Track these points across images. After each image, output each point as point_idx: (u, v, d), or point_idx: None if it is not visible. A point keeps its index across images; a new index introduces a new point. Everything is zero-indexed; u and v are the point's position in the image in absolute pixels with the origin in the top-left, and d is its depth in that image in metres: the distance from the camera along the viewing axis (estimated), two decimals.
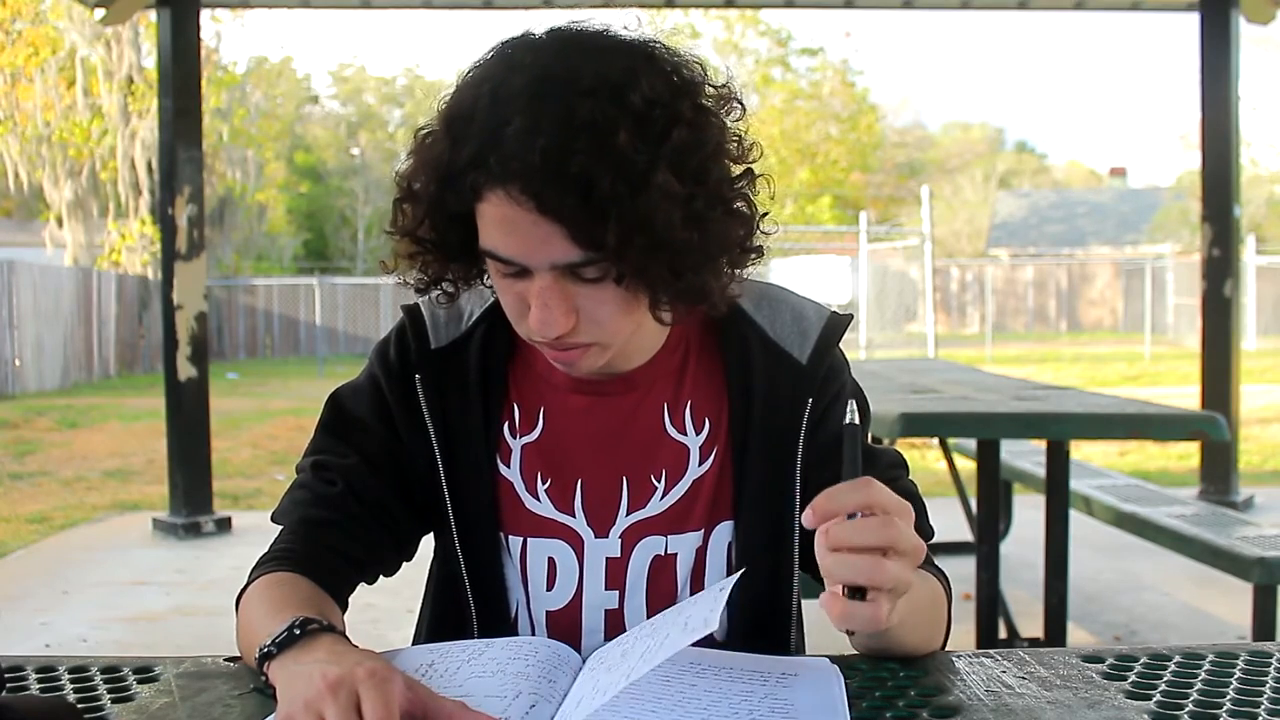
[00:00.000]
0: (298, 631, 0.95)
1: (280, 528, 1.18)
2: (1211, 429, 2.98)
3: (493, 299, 1.20)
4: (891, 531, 0.88)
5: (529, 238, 0.99)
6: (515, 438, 1.19)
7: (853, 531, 0.88)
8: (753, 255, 1.09)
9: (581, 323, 1.04)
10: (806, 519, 0.89)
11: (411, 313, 1.22)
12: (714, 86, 1.06)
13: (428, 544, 1.25)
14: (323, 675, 0.86)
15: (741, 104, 1.08)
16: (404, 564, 1.23)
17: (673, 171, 0.98)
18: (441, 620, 1.24)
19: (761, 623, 1.18)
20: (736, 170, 1.06)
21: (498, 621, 1.18)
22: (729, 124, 1.06)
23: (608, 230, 0.96)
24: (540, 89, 0.97)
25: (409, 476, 1.19)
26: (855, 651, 1.09)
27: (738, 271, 1.09)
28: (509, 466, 1.18)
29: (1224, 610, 4.32)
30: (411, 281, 1.13)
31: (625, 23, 1.05)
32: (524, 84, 0.97)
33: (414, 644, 1.21)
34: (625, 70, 0.99)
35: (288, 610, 1.00)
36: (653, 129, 0.97)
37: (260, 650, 0.96)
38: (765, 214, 1.09)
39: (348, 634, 1.00)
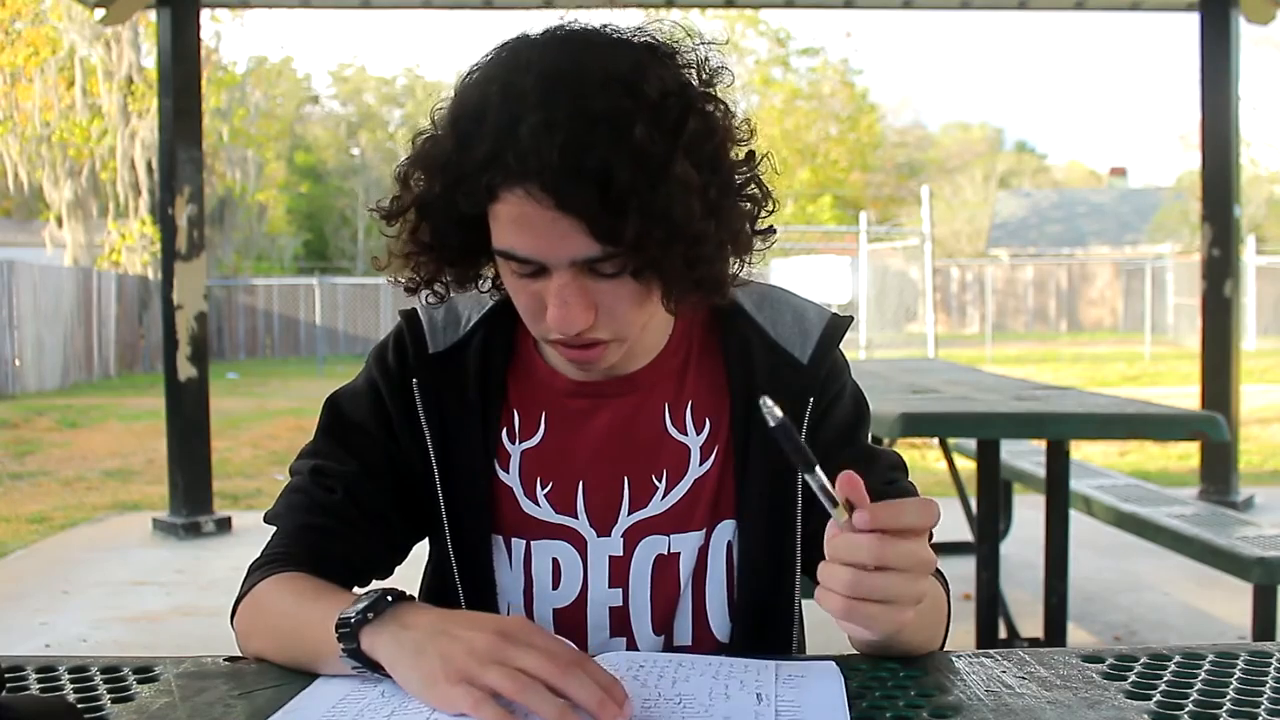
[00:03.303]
0: (390, 599, 0.95)
1: (274, 529, 1.18)
2: (1211, 429, 2.98)
3: (490, 304, 1.21)
4: (926, 555, 0.88)
5: (548, 235, 0.98)
6: (514, 443, 1.19)
7: (899, 555, 0.86)
8: (764, 238, 1.09)
9: (600, 318, 1.04)
10: (860, 520, 0.85)
11: (409, 317, 1.22)
12: (715, 47, 1.06)
13: (424, 543, 1.25)
14: (492, 627, 0.87)
15: (730, 71, 1.07)
16: (397, 566, 1.22)
17: (690, 161, 0.98)
18: None
19: (763, 623, 1.18)
20: (742, 154, 1.06)
21: None
22: (732, 109, 1.06)
23: (627, 224, 0.96)
24: (552, 85, 0.96)
25: (407, 482, 1.19)
26: (855, 651, 1.09)
27: (746, 258, 1.09)
28: (507, 472, 1.18)
29: (1224, 610, 4.32)
30: (403, 280, 1.12)
31: (623, 20, 1.05)
32: (534, 81, 0.97)
33: None
34: (634, 63, 0.99)
35: (329, 595, 1.00)
36: (668, 120, 0.98)
37: (350, 617, 0.93)
38: (770, 194, 1.09)
39: None
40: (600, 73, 0.97)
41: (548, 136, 0.94)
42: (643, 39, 1.04)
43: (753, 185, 1.07)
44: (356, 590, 1.17)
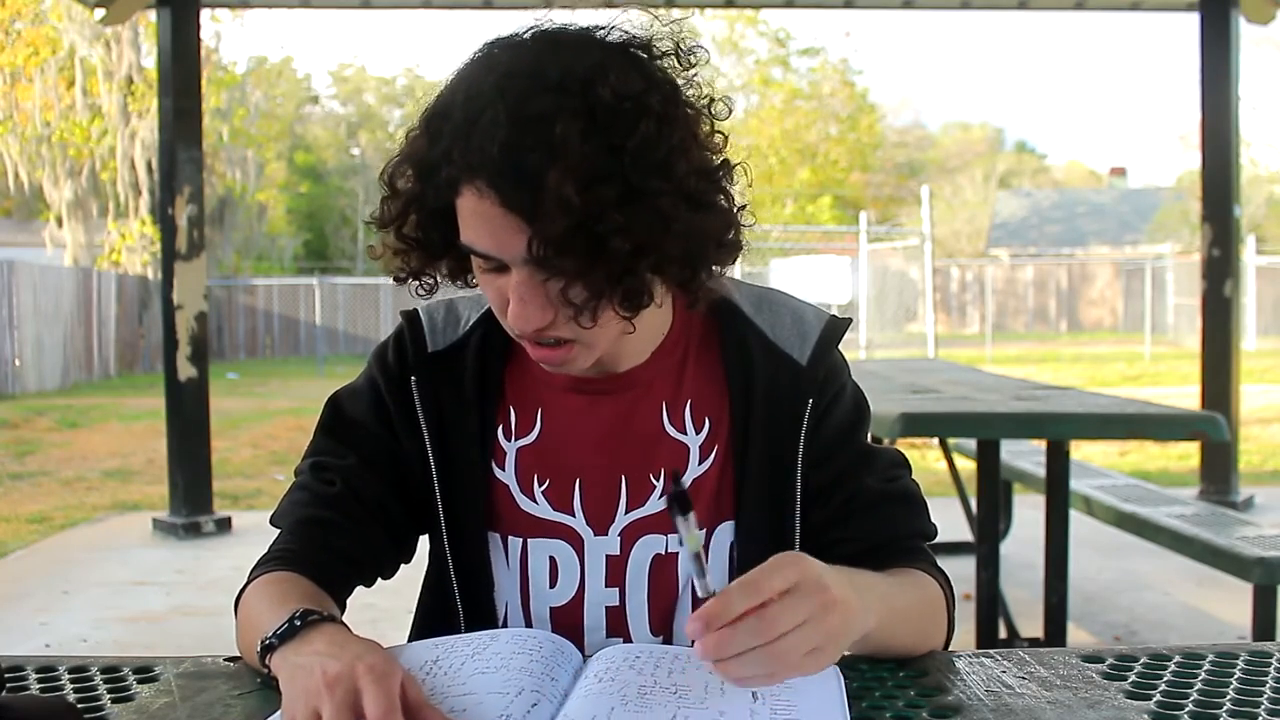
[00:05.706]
0: (298, 623, 0.96)
1: (279, 530, 1.18)
2: (1211, 429, 2.98)
3: (489, 304, 1.21)
4: (773, 625, 0.86)
5: (499, 231, 0.99)
6: (510, 440, 1.19)
7: (742, 639, 0.85)
8: (733, 251, 1.08)
9: (560, 318, 1.04)
10: (691, 630, 0.85)
11: (410, 317, 1.23)
12: (687, 32, 1.05)
13: (427, 545, 1.25)
14: (323, 671, 0.86)
15: (705, 49, 1.07)
16: (402, 566, 1.23)
17: (636, 169, 0.97)
18: (431, 620, 1.25)
19: None
20: (715, 163, 1.05)
21: (485, 622, 1.18)
22: (709, 118, 1.05)
23: (557, 226, 0.95)
24: (507, 84, 0.98)
25: (406, 477, 1.19)
26: (854, 652, 1.09)
27: (708, 270, 1.07)
28: (503, 469, 1.19)
29: (1224, 610, 4.32)
30: (393, 270, 1.13)
31: (619, 21, 1.05)
32: (494, 81, 0.99)
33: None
34: (594, 65, 0.99)
35: (288, 604, 1.00)
36: (617, 125, 0.97)
37: (261, 643, 0.96)
38: (743, 206, 1.08)
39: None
40: (555, 73, 0.97)
41: (492, 134, 0.96)
42: (618, 37, 1.03)
43: (720, 196, 1.05)
44: (363, 587, 1.18)
